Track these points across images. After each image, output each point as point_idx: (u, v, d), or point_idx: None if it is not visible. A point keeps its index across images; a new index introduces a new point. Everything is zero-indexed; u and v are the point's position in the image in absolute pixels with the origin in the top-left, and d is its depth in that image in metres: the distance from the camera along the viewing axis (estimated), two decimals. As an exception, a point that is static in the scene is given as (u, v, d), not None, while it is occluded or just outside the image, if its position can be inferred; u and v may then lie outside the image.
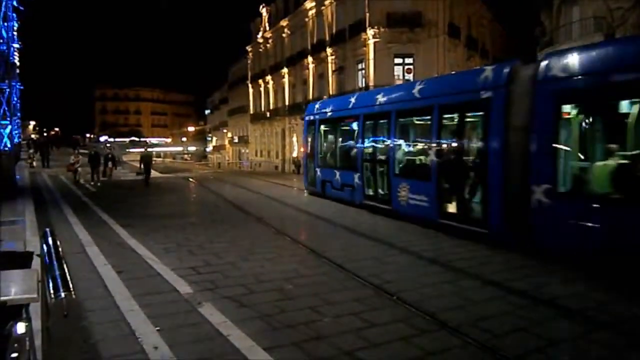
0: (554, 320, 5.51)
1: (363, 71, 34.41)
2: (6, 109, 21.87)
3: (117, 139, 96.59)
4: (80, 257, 8.15)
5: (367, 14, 33.02)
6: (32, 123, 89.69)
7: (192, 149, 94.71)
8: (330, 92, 36.93)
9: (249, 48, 59.95)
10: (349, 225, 11.61)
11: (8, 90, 22.47)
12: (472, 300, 6.09)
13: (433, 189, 10.99)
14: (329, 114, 17.20)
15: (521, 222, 8.58)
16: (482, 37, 41.32)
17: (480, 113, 9.90)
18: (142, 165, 24.30)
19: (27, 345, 2.93)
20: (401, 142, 12.98)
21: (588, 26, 23.18)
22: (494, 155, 9.25)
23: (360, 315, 5.53)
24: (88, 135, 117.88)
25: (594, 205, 7.41)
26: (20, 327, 2.79)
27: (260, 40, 55.32)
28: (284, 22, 48.08)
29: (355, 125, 15.07)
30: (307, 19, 42.97)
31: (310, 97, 40.76)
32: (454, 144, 10.76)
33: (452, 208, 10.58)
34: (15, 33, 36.03)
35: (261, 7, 54.60)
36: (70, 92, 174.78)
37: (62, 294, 2.23)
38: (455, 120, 10.78)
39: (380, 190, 13.52)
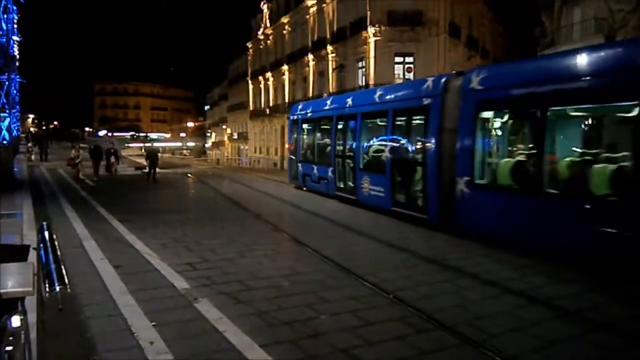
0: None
1: (363, 69, 34.39)
2: (5, 101, 21.81)
3: (116, 134, 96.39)
4: (77, 252, 8.14)
5: (368, 12, 32.98)
6: (31, 116, 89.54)
7: (191, 144, 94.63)
8: (330, 90, 36.90)
9: (249, 44, 59.88)
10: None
11: (7, 83, 22.38)
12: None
13: (387, 181, 12.82)
14: (309, 114, 18.96)
15: (450, 209, 10.25)
16: (483, 37, 41.29)
17: (422, 117, 11.54)
18: (147, 161, 23.28)
19: (22, 339, 2.92)
20: (365, 140, 14.54)
21: (589, 28, 23.16)
22: (431, 153, 10.99)
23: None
24: (87, 129, 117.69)
25: (501, 195, 9.31)
26: (16, 321, 2.78)
27: (261, 37, 55.25)
28: (284, 19, 48.01)
29: (330, 125, 16.64)
30: (308, 16, 42.91)
31: (310, 94, 40.72)
32: (403, 143, 12.49)
33: (401, 198, 12.40)
34: (15, 25, 35.95)
35: (262, 3, 54.53)
36: (69, 86, 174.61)
37: (57, 288, 2.22)
38: (404, 122, 12.56)
39: (348, 183, 15.22)
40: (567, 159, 8.55)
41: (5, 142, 21.41)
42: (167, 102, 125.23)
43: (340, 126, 15.93)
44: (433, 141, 10.90)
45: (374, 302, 5.94)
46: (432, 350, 4.66)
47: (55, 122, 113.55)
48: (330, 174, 16.24)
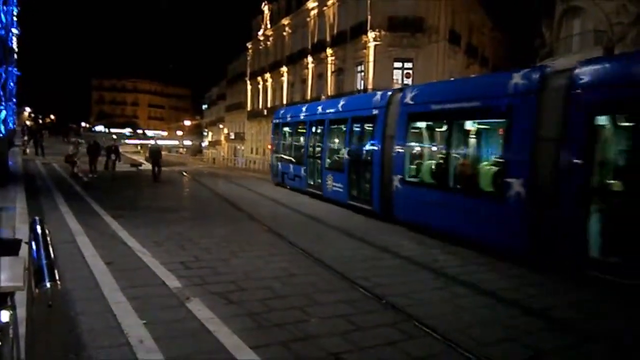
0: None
1: (362, 73, 34.44)
2: (2, 94, 21.67)
3: (112, 130, 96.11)
4: (69, 247, 8.09)
5: (369, 17, 33.05)
6: (28, 109, 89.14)
7: (187, 143, 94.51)
8: (329, 93, 36.92)
9: (249, 45, 59.88)
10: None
11: (4, 75, 22.25)
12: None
13: (345, 179, 14.95)
14: (288, 119, 21.20)
15: (389, 201, 12.41)
16: (482, 46, 41.44)
17: (372, 125, 13.67)
18: (150, 160, 22.18)
19: (11, 334, 2.90)
20: (330, 143, 16.81)
21: (588, 39, 23.28)
22: (376, 155, 13.17)
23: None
24: (83, 124, 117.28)
25: (423, 190, 11.58)
26: (5, 315, 2.76)
27: (261, 38, 55.28)
28: (285, 21, 48.05)
29: (304, 129, 18.84)
30: (308, 19, 42.96)
31: (309, 96, 40.74)
32: (357, 146, 14.61)
33: (354, 193, 14.51)
34: (15, 18, 35.82)
35: (263, 4, 54.59)
36: (67, 80, 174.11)
37: (48, 284, 2.20)
38: (359, 128, 14.71)
39: (316, 180, 17.31)
40: (461, 162, 10.82)
41: (0, 134, 21.24)
42: (165, 99, 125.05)
43: (312, 130, 18.07)
44: (378, 145, 13.11)
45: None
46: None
47: (52, 116, 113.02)
48: (302, 172, 18.41)
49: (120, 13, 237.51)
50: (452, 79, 22.25)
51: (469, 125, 10.99)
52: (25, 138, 39.09)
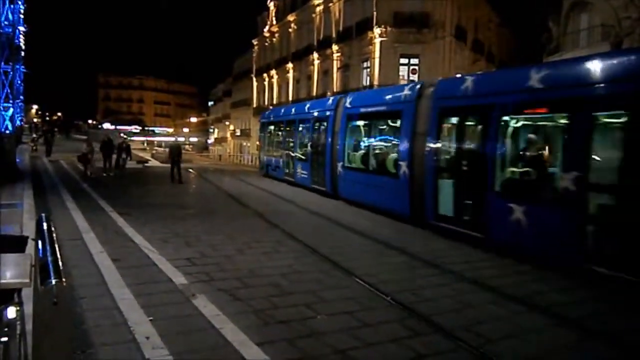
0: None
1: (368, 70, 34.33)
2: (9, 91, 21.77)
3: (119, 127, 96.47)
4: (76, 244, 8.13)
5: (375, 13, 32.92)
6: (35, 107, 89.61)
7: (193, 139, 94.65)
8: (335, 89, 36.86)
9: (254, 41, 59.83)
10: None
11: (12, 73, 22.35)
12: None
13: (309, 167, 18.34)
14: (271, 119, 24.82)
15: (336, 183, 15.98)
16: (489, 41, 41.21)
17: (326, 123, 16.96)
18: (170, 159, 20.86)
19: (18, 330, 2.91)
20: (299, 139, 19.94)
21: (596, 35, 23.09)
22: (328, 147, 16.49)
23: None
24: (90, 121, 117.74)
25: (355, 173, 14.80)
26: (11, 312, 2.77)
27: (267, 34, 55.22)
28: (291, 17, 47.96)
29: (282, 127, 22.63)
30: (314, 15, 42.85)
31: (314, 93, 40.69)
32: (317, 140, 17.83)
33: (315, 178, 17.76)
34: (21, 16, 35.93)
35: (269, 1, 54.50)
36: (74, 77, 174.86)
37: (53, 281, 2.20)
38: (318, 126, 17.84)
39: (290, 169, 20.52)
40: (376, 151, 14.23)
41: (7, 131, 21.36)
42: (171, 96, 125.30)
43: (287, 128, 21.75)
44: (329, 140, 16.47)
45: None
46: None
47: (59, 114, 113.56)
48: (280, 163, 21.86)
49: (126, 11, 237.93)
50: (382, 87, 25.63)
51: (381, 123, 14.46)
52: (34, 135, 39.16)
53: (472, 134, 10.23)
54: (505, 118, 9.18)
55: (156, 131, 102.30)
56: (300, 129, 19.83)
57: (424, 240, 10.15)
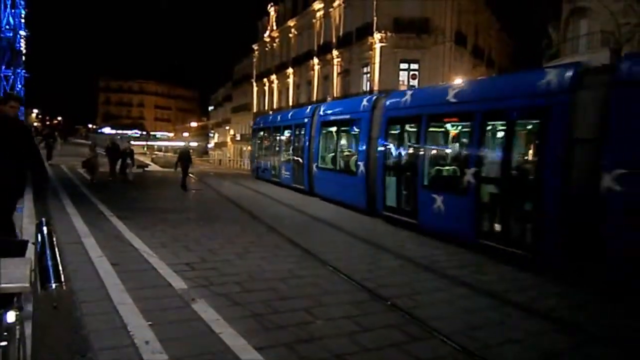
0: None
1: (368, 75, 34.42)
2: (10, 96, 21.83)
3: (119, 131, 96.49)
4: (76, 248, 8.12)
5: (375, 18, 33.04)
6: (36, 111, 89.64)
7: (194, 144, 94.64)
8: (335, 95, 36.93)
9: (255, 46, 60.00)
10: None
11: (12, 77, 22.40)
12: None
13: (291, 169, 20.58)
14: (261, 125, 27.09)
15: (312, 182, 18.17)
16: (489, 47, 41.36)
17: (304, 129, 19.13)
18: (178, 164, 19.73)
19: (17, 334, 2.92)
20: (283, 143, 22.31)
21: (595, 40, 23.16)
22: (305, 150, 18.76)
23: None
24: (90, 125, 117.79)
25: (326, 173, 17.08)
26: (11, 316, 2.78)
27: (267, 39, 55.38)
28: (291, 22, 48.11)
29: (269, 134, 24.96)
30: (314, 20, 42.99)
31: (315, 98, 40.77)
32: (296, 144, 20.22)
33: (295, 178, 19.90)
34: (22, 20, 36.02)
35: (269, 6, 54.68)
36: (74, 81, 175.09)
37: (53, 285, 2.21)
38: (298, 132, 20.02)
39: (276, 172, 22.67)
40: (342, 153, 16.50)
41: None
42: (172, 101, 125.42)
43: (273, 134, 23.97)
44: (307, 143, 18.62)
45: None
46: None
47: (59, 118, 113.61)
48: (268, 166, 23.96)
49: (127, 15, 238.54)
50: (350, 98, 28.30)
51: (346, 129, 16.38)
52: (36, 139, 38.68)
53: (408, 139, 12.63)
54: (430, 126, 11.50)
55: (157, 136, 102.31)
56: (284, 134, 22.15)
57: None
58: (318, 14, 42.18)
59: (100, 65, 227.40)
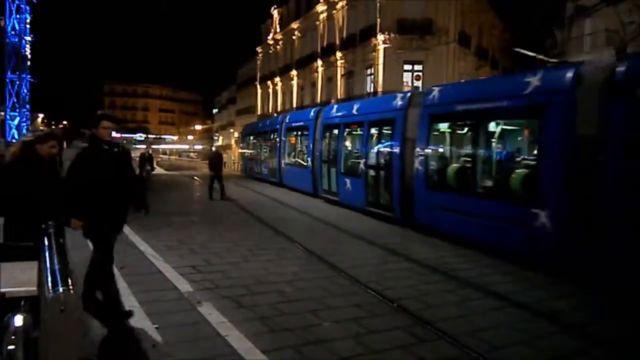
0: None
1: (372, 76, 34.39)
2: (15, 100, 21.92)
3: (124, 135, 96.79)
4: (82, 252, 8.14)
5: (378, 20, 33.00)
6: (41, 115, 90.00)
7: (198, 147, 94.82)
8: (338, 96, 36.93)
9: (258, 49, 60.07)
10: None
11: (18, 82, 22.55)
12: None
13: (268, 166, 25.11)
14: (247, 131, 33.10)
15: (282, 176, 22.43)
16: (493, 47, 41.24)
17: (276, 134, 23.44)
18: (209, 170, 18.47)
19: (25, 338, 2.93)
20: (262, 146, 26.92)
21: (600, 40, 23.09)
22: (277, 151, 22.92)
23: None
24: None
25: (293, 168, 20.99)
26: (18, 320, 2.79)
27: (270, 42, 55.43)
28: (294, 25, 48.15)
29: (253, 138, 29.56)
30: (318, 22, 43.01)
31: (318, 100, 40.77)
32: (271, 146, 24.57)
33: (272, 174, 23.93)
34: (28, 25, 36.18)
35: (272, 8, 54.75)
36: (79, 86, 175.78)
37: (60, 289, 2.22)
38: (273, 136, 24.29)
39: (258, 169, 27.50)
40: (299, 150, 20.90)
41: (14, 140, 21.54)
42: (176, 104, 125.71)
43: (256, 138, 28.46)
44: (278, 145, 22.89)
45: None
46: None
47: (65, 122, 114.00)
48: (253, 165, 28.73)
49: (131, 19, 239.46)
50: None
51: (303, 132, 20.30)
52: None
53: (333, 140, 16.69)
54: (345, 131, 15.97)
55: (166, 139, 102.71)
56: (263, 138, 26.74)
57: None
58: (321, 16, 42.20)
59: (105, 70, 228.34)
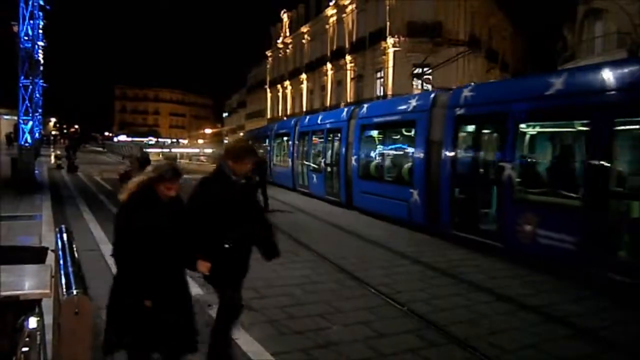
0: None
1: (382, 80, 34.39)
2: (28, 105, 22.17)
3: (135, 138, 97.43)
4: (93, 255, 8.22)
5: (388, 23, 33.03)
6: (53, 119, 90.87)
7: (208, 151, 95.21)
8: (348, 100, 36.96)
9: (268, 53, 60.32)
10: None
11: (31, 87, 22.80)
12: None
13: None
14: (246, 137, 34.69)
15: (271, 175, 22.79)
16: (503, 49, 41.08)
17: (267, 140, 25.72)
18: (256, 176, 17.61)
19: (38, 340, 2.97)
20: (258, 151, 27.48)
21: (611, 42, 22.92)
22: (267, 153, 24.57)
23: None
24: (106, 133, 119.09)
25: (282, 168, 23.06)
26: (32, 322, 2.83)
27: (280, 46, 55.64)
28: (304, 28, 48.30)
29: (252, 144, 30.60)
30: (327, 26, 43.11)
31: (328, 103, 40.84)
32: (262, 151, 24.37)
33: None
34: (40, 31, 36.55)
35: (282, 12, 54.98)
36: (90, 90, 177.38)
37: (74, 291, 2.26)
38: (264, 143, 26.25)
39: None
40: (283, 153, 23.56)
41: (27, 144, 21.76)
42: (186, 108, 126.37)
43: (253, 144, 30.36)
44: (268, 149, 25.03)
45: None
46: None
47: (76, 126, 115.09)
48: None
49: (141, 24, 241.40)
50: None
51: (285, 139, 22.93)
52: (58, 152, 38.41)
53: (307, 145, 19.89)
54: (312, 137, 19.41)
55: (178, 143, 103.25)
56: (258, 144, 28.78)
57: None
58: (331, 20, 42.30)
59: (116, 74, 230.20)
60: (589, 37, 24.72)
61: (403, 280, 7.48)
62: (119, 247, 3.47)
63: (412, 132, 12.54)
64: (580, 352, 5.07)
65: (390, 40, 32.82)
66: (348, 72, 38.67)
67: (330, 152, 17.29)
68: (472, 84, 12.17)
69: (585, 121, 7.92)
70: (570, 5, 26.20)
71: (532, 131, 9.40)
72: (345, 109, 17.46)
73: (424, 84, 31.65)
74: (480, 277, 7.77)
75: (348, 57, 38.69)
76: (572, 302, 6.70)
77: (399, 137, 14.05)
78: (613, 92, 7.28)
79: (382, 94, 33.18)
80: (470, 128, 10.58)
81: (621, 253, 7.09)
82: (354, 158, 15.22)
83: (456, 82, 28.88)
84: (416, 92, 29.06)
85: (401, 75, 32.21)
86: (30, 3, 22.40)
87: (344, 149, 15.92)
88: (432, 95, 12.04)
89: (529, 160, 9.35)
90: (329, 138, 17.54)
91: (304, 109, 46.98)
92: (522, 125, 8.99)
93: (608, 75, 7.39)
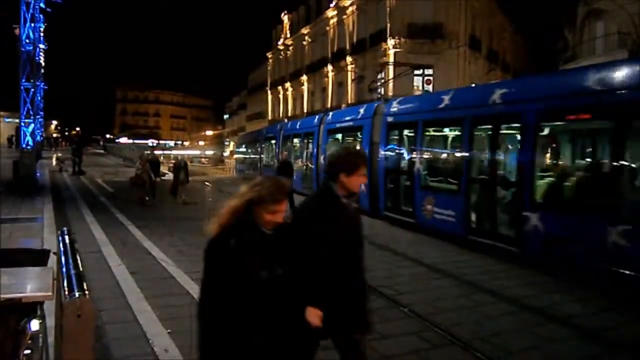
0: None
1: (382, 81, 34.34)
2: (30, 107, 22.23)
3: (136, 141, 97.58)
4: (95, 257, 8.23)
5: (388, 24, 33.04)
6: (54, 122, 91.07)
7: (209, 152, 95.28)
8: (349, 101, 36.95)
9: (269, 54, 60.36)
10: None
11: (32, 90, 22.87)
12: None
13: (252, 167, 30.10)
14: (240, 141, 39.95)
15: (261, 174, 23.48)
16: (504, 50, 41.09)
17: (257, 144, 28.87)
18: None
19: (40, 342, 2.96)
20: (248, 152, 32.98)
21: (612, 42, 22.90)
22: (259, 154, 28.42)
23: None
24: (107, 135, 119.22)
25: (266, 167, 26.11)
26: (34, 324, 2.82)
27: (281, 47, 55.67)
28: (305, 30, 48.32)
29: (245, 147, 34.73)
30: (328, 28, 43.13)
31: (329, 105, 40.84)
32: (252, 152, 30.39)
33: (251, 170, 28.93)
34: (42, 34, 36.64)
35: (283, 14, 55.02)
36: (91, 93, 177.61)
37: (77, 294, 2.24)
38: (255, 145, 29.53)
39: (247, 170, 31.41)
40: (269, 154, 26.75)
41: (29, 147, 21.81)
42: (187, 110, 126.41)
43: (246, 147, 34.07)
44: (259, 151, 27.75)
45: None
46: None
47: (77, 128, 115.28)
48: (244, 166, 33.46)
49: (142, 27, 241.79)
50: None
51: (271, 142, 25.54)
52: (60, 155, 38.08)
53: (289, 145, 22.54)
54: (289, 140, 22.51)
55: (182, 144, 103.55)
56: (250, 146, 32.03)
57: None
58: (332, 22, 42.32)
59: (117, 76, 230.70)
60: (589, 38, 24.71)
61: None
62: (210, 305, 2.75)
63: (361, 135, 15.29)
64: (585, 353, 5.04)
65: (390, 42, 32.82)
66: (349, 73, 38.67)
67: (306, 152, 20.39)
68: (401, 98, 14.82)
69: (457, 127, 11.15)
70: (570, 6, 26.19)
71: (432, 134, 12.56)
72: (317, 116, 20.31)
73: (425, 85, 31.72)
74: (480, 278, 7.75)
75: (349, 59, 38.70)
76: (575, 302, 6.69)
77: (352, 139, 16.39)
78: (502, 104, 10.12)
79: (383, 94, 33.13)
80: (396, 132, 13.43)
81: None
82: (322, 157, 17.91)
83: (457, 83, 28.92)
84: (417, 93, 29.11)
85: (402, 77, 32.20)
86: (31, 6, 22.46)
87: (315, 150, 18.76)
88: (375, 105, 14.96)
89: (430, 157, 12.39)
90: (305, 141, 20.59)
91: (305, 111, 46.98)
92: (428, 130, 12.24)
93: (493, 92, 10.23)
